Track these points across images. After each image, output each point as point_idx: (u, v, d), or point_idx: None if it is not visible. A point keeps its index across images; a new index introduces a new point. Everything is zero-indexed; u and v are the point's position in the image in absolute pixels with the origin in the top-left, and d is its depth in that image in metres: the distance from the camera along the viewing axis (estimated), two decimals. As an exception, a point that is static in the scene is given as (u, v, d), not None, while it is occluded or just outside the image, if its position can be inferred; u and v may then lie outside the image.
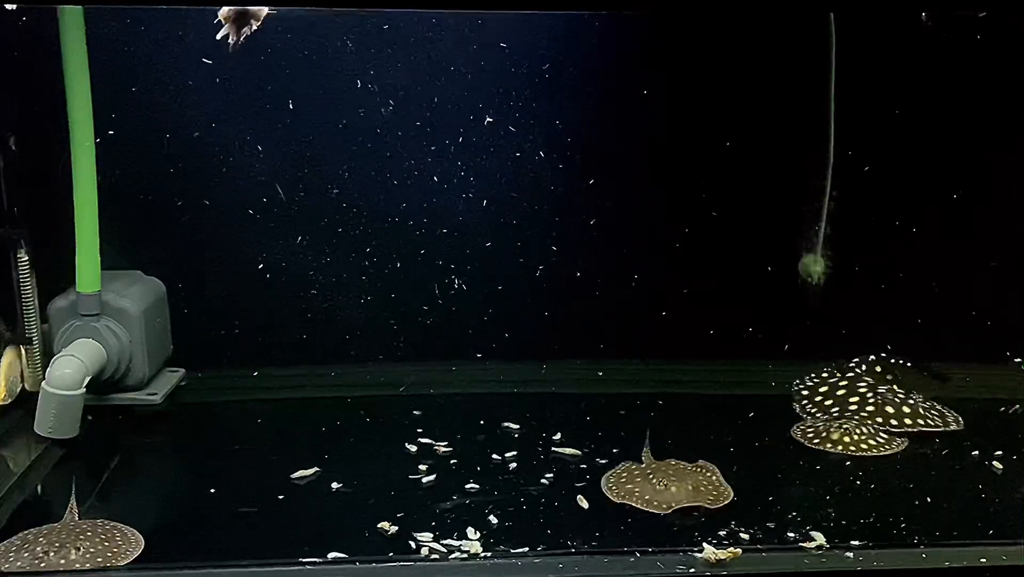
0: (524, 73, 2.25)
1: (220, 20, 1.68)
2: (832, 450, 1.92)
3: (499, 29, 2.22)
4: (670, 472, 1.80)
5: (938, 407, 2.08)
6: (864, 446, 1.93)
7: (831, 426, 1.97)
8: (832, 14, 2.16)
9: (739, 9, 2.11)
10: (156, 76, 2.18)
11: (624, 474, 1.83)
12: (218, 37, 1.68)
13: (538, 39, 2.24)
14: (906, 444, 1.96)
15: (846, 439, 1.93)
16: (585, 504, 1.73)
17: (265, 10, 1.68)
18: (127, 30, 2.15)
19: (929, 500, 1.77)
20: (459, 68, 2.24)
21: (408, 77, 2.24)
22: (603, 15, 2.24)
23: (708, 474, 1.81)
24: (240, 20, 1.67)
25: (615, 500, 1.75)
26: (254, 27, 1.69)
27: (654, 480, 1.76)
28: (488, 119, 2.27)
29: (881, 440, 1.95)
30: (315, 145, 2.25)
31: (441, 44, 2.23)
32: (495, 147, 2.28)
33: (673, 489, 1.74)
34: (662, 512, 1.70)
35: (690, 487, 1.74)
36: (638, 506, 1.72)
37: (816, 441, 1.94)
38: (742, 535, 1.63)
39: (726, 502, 1.74)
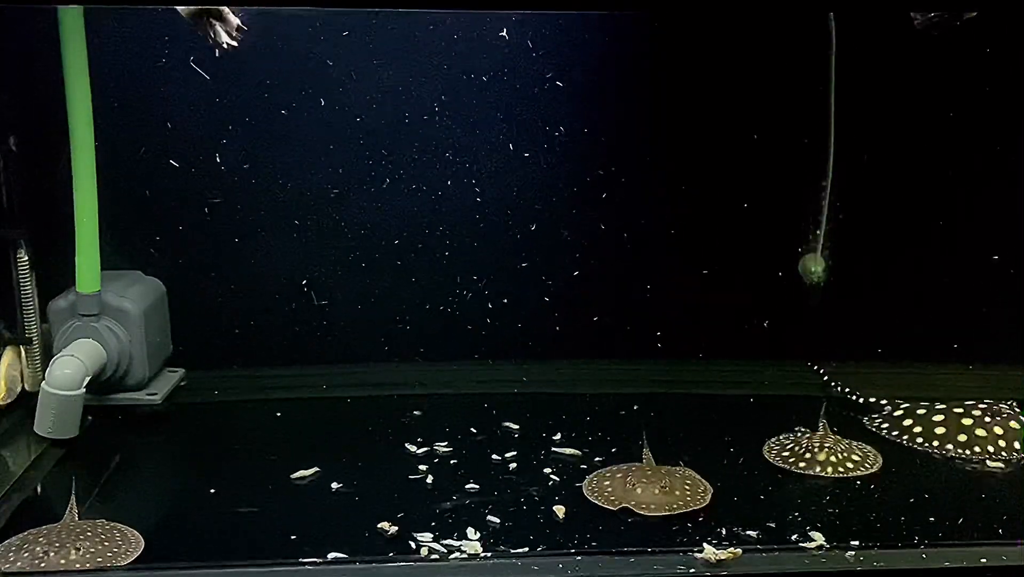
0: (526, 75, 2.25)
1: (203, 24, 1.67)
2: (821, 473, 1.84)
3: (503, 30, 2.22)
4: (648, 473, 1.79)
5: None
6: (850, 464, 1.86)
7: (814, 446, 1.89)
8: (832, 14, 2.16)
9: (739, 9, 2.11)
10: (157, 76, 2.18)
11: (607, 474, 1.83)
12: (223, 44, 1.68)
13: (542, 41, 2.24)
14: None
15: (833, 458, 1.86)
16: (561, 514, 1.71)
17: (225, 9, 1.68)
18: (128, 28, 2.15)
19: (928, 501, 1.77)
20: (462, 69, 2.24)
21: (408, 78, 2.24)
22: (604, 16, 2.24)
23: (686, 481, 1.79)
24: (216, 23, 1.67)
25: (588, 496, 1.76)
26: (232, 27, 1.69)
27: (631, 480, 1.76)
28: (490, 120, 2.27)
29: (858, 457, 1.89)
30: (316, 145, 2.25)
31: (445, 44, 2.23)
32: (497, 147, 2.28)
33: (639, 491, 1.73)
34: (613, 508, 1.71)
35: (656, 491, 1.73)
36: (598, 503, 1.73)
37: (803, 465, 1.86)
38: (742, 534, 1.63)
39: (690, 509, 1.71)
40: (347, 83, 2.23)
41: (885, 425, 2.04)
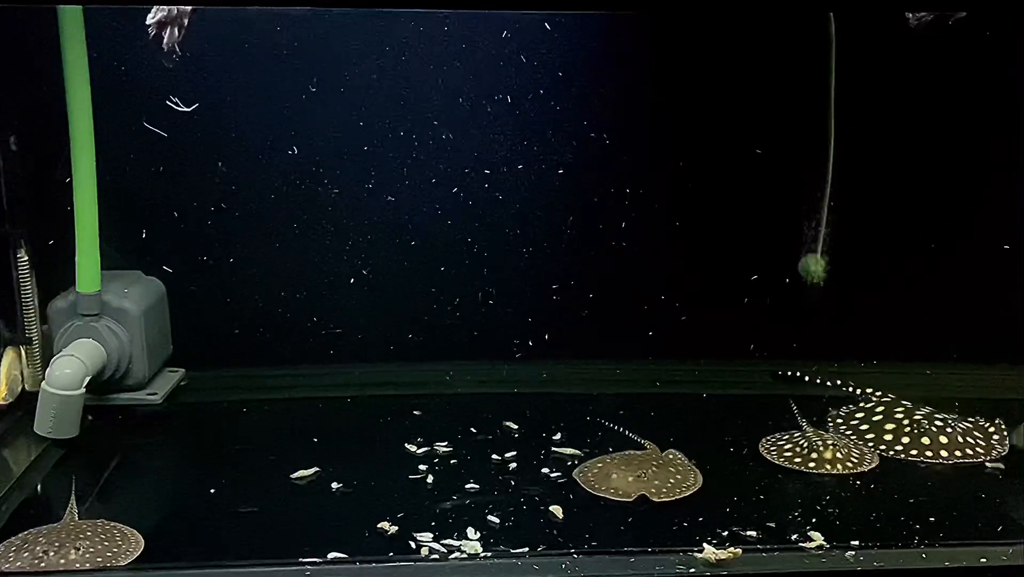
0: (525, 76, 2.25)
1: (155, 30, 1.66)
2: (830, 471, 1.85)
3: (503, 32, 2.23)
4: (633, 463, 1.83)
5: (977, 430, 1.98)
6: (851, 462, 1.87)
7: (817, 444, 1.89)
8: (832, 14, 2.16)
9: (739, 9, 2.11)
10: (156, 76, 2.18)
11: (599, 464, 1.87)
12: (164, 46, 1.67)
13: (542, 43, 2.24)
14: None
15: (839, 455, 1.87)
16: (560, 514, 1.72)
17: (188, 9, 1.66)
18: (127, 28, 2.15)
19: (928, 501, 1.77)
20: (464, 70, 2.24)
21: (409, 77, 2.24)
22: (603, 16, 2.24)
23: (669, 466, 1.84)
24: (171, 23, 1.66)
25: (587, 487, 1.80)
26: (184, 25, 1.68)
27: (610, 469, 1.81)
28: (490, 121, 2.27)
29: (858, 456, 1.90)
30: (316, 145, 2.25)
31: (448, 44, 2.23)
32: (496, 148, 2.28)
33: (614, 476, 1.78)
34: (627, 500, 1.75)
35: (630, 478, 1.77)
36: (598, 494, 1.77)
37: (812, 465, 1.86)
38: (742, 534, 1.64)
39: (677, 496, 1.75)
40: (347, 84, 2.23)
41: (840, 421, 2.05)
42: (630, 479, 1.77)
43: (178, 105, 2.14)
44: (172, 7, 1.66)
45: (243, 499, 1.76)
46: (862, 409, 2.08)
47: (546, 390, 2.27)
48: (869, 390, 2.16)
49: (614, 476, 1.79)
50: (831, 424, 2.05)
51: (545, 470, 1.87)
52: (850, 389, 2.19)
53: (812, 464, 1.86)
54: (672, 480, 1.78)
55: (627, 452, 1.91)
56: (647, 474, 1.78)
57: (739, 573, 1.54)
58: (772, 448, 1.94)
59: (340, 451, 1.94)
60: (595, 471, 1.84)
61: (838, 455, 1.87)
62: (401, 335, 2.35)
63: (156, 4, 1.67)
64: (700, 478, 1.81)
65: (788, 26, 2.22)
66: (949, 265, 2.33)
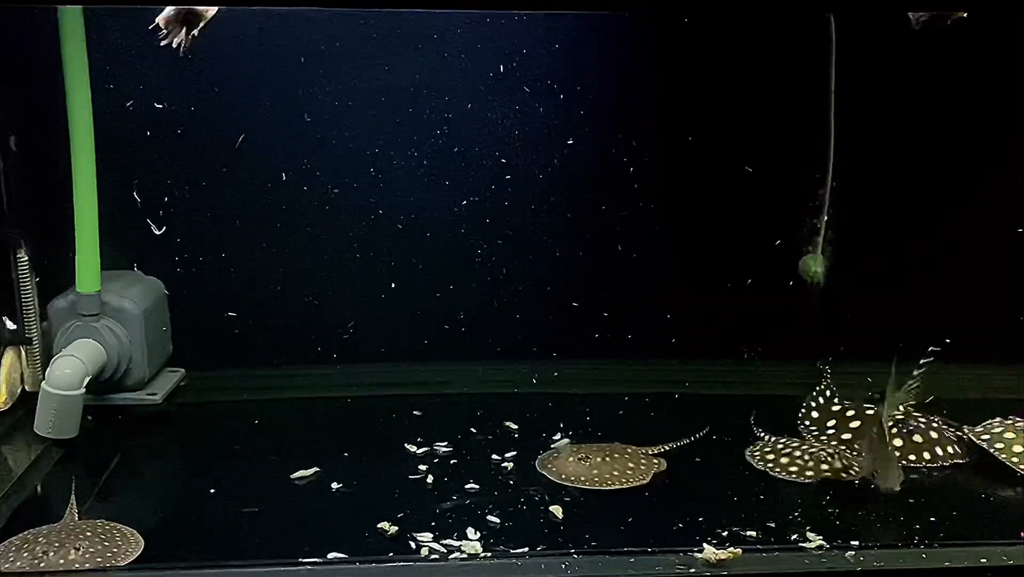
0: (524, 77, 2.25)
1: (160, 25, 1.65)
2: (821, 477, 1.84)
3: (504, 33, 2.23)
4: (591, 451, 1.88)
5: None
6: (838, 465, 1.86)
7: (796, 451, 1.89)
8: (832, 14, 2.16)
9: (739, 9, 2.11)
10: (156, 75, 2.18)
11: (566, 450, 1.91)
12: (163, 44, 1.66)
13: (543, 45, 2.24)
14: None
15: (822, 455, 1.87)
16: (560, 514, 1.72)
17: (213, 10, 1.66)
18: (126, 28, 2.15)
19: (928, 501, 1.77)
20: (466, 71, 2.24)
21: (410, 78, 2.24)
22: (602, 17, 2.24)
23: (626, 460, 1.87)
24: (185, 22, 1.65)
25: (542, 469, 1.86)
26: (199, 27, 1.67)
27: (569, 454, 1.87)
28: (492, 121, 2.27)
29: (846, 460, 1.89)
30: (316, 144, 2.25)
31: (449, 45, 2.23)
32: (498, 149, 2.28)
33: (571, 460, 1.84)
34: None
35: (570, 459, 1.84)
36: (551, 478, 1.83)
37: (794, 470, 1.86)
38: (742, 534, 1.64)
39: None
40: (349, 84, 2.23)
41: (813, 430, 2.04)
42: (570, 459, 1.84)
43: (157, 229, 2.20)
44: (182, 7, 1.65)
45: (243, 499, 1.76)
46: (833, 415, 2.05)
47: (546, 390, 2.27)
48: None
49: (560, 459, 1.85)
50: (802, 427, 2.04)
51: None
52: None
53: (795, 469, 1.86)
54: (612, 473, 1.81)
55: (608, 444, 1.93)
56: (590, 462, 1.83)
57: (739, 573, 1.54)
58: (756, 453, 1.93)
59: (340, 451, 1.95)
60: (554, 454, 1.88)
61: (822, 454, 1.87)
62: (400, 335, 2.35)
63: (155, 4, 1.66)
64: (642, 481, 1.82)
65: (788, 27, 2.22)
66: (949, 265, 2.33)
